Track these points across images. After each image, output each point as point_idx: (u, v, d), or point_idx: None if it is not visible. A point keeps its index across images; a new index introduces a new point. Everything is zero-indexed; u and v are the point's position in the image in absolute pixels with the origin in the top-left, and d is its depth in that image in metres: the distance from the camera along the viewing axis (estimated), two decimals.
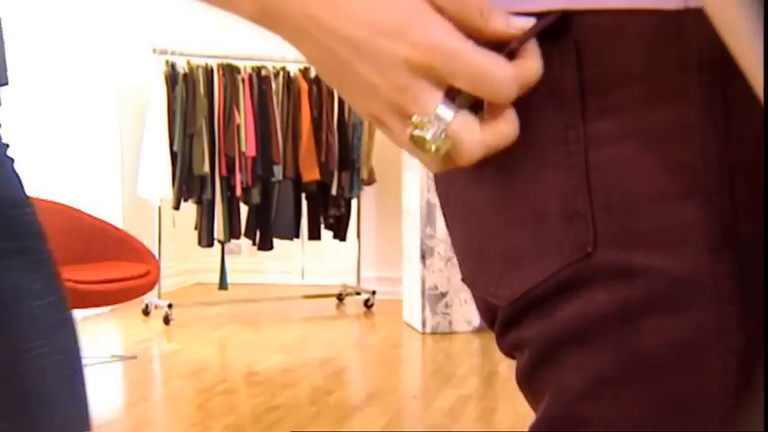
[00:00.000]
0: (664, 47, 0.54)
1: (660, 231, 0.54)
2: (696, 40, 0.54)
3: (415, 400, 3.62)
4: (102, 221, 4.19)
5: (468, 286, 0.64)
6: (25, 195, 0.90)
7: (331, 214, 5.52)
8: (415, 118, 0.52)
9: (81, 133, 5.15)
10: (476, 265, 0.62)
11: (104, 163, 5.36)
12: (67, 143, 5.02)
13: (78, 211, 4.14)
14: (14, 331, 0.70)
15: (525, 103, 0.58)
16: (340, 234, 5.61)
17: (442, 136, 0.52)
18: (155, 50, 5.10)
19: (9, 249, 0.81)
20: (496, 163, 0.58)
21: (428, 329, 4.75)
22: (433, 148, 0.52)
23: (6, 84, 1.07)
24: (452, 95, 0.53)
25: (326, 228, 5.58)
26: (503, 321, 0.61)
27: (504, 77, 0.52)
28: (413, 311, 4.90)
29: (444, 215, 0.68)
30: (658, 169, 0.54)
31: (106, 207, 5.18)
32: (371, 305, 5.59)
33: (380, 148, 5.56)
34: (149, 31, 5.61)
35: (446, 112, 0.52)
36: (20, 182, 0.93)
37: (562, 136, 0.56)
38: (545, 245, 0.56)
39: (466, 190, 0.62)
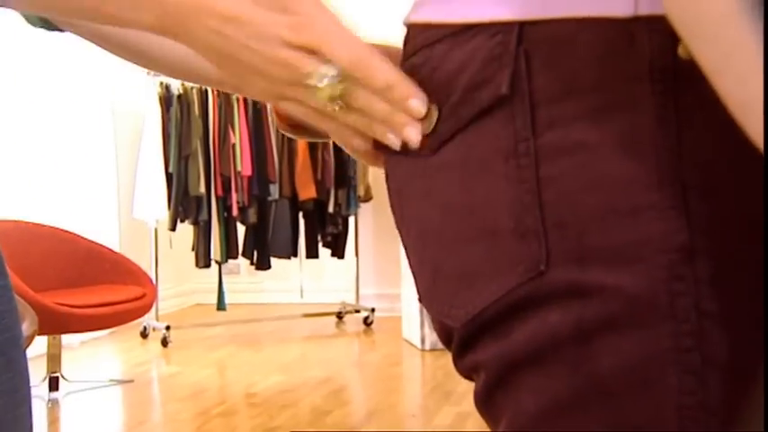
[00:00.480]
0: (615, 56, 0.53)
1: (613, 248, 0.52)
2: (647, 49, 0.52)
3: (414, 418, 3.58)
4: (97, 244, 4.17)
5: (425, 307, 0.62)
6: None
7: (328, 232, 5.50)
8: (310, 80, 0.56)
9: (76, 156, 5.14)
10: (430, 285, 0.60)
11: (100, 185, 5.35)
12: (63, 166, 5.01)
13: (73, 234, 4.12)
14: None
15: (475, 117, 0.56)
16: (338, 252, 5.58)
17: (336, 81, 0.57)
18: (149, 72, 5.09)
19: None
20: (449, 179, 0.56)
21: (427, 346, 4.72)
22: (328, 92, 0.57)
23: None
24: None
25: (324, 246, 5.56)
26: (458, 343, 0.59)
27: (383, 69, 0.57)
28: (412, 328, 4.87)
29: (400, 233, 0.66)
30: (611, 183, 0.52)
31: (103, 230, 5.16)
32: (371, 323, 5.56)
33: None
34: None
35: (328, 67, 0.57)
36: None
37: (513, 149, 0.54)
38: (498, 263, 0.55)
39: (419, 208, 0.60)
